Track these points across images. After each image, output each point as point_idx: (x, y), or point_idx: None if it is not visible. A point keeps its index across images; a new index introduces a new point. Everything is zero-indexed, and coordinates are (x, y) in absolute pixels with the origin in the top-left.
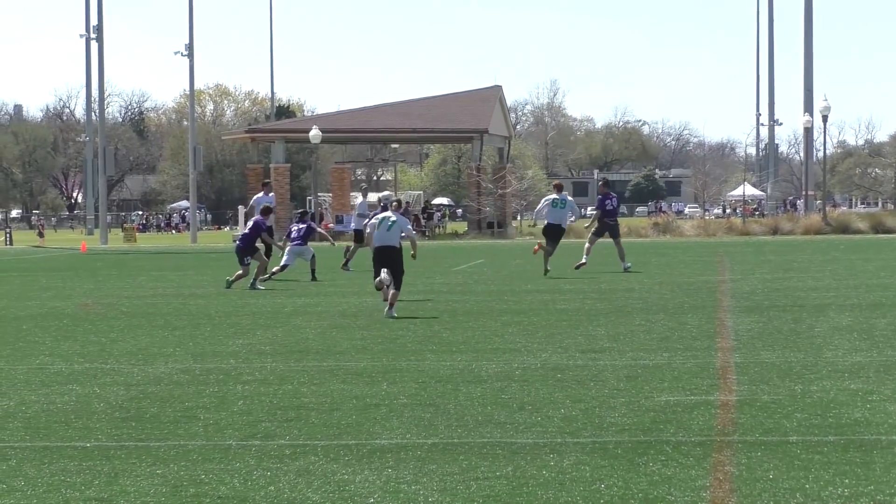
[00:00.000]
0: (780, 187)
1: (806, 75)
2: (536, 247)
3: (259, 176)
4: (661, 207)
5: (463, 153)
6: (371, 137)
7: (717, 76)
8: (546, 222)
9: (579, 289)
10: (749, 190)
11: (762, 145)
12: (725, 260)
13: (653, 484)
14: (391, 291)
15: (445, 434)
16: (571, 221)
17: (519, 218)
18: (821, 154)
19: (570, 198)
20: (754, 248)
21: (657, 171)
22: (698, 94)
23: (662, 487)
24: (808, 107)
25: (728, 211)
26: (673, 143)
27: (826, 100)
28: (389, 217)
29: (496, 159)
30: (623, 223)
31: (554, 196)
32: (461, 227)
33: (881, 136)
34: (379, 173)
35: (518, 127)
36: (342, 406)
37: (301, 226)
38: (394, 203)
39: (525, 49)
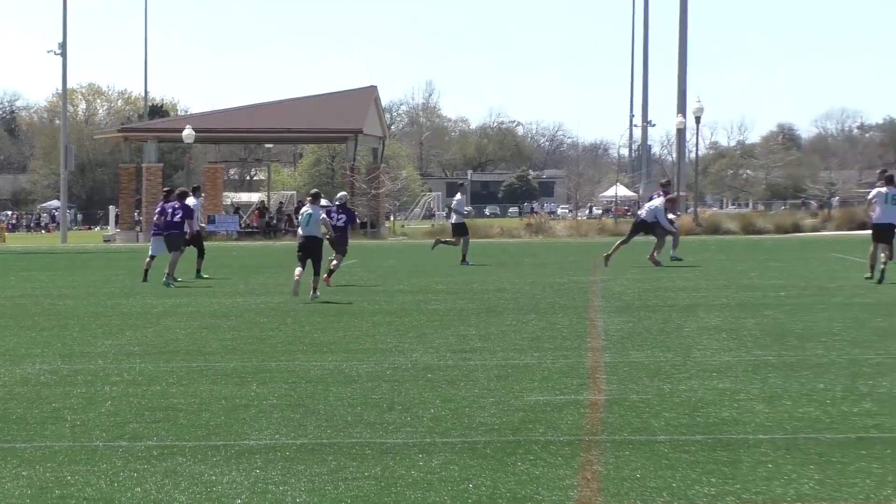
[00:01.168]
0: (653, 188)
1: (679, 77)
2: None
3: (131, 175)
4: (533, 208)
5: (337, 153)
6: (245, 137)
7: (591, 77)
8: None
9: (451, 289)
10: (622, 191)
11: (635, 146)
12: (597, 260)
13: (521, 483)
14: (313, 277)
15: (315, 434)
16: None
17: (392, 218)
18: (693, 155)
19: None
20: (626, 248)
21: (531, 171)
22: (572, 96)
23: (530, 487)
24: (682, 108)
25: (598, 212)
26: (547, 143)
27: (699, 101)
28: (308, 211)
29: (370, 159)
30: (495, 223)
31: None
32: None
33: (753, 138)
34: (252, 173)
35: (393, 127)
36: (211, 407)
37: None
38: (311, 195)
39: (400, 49)
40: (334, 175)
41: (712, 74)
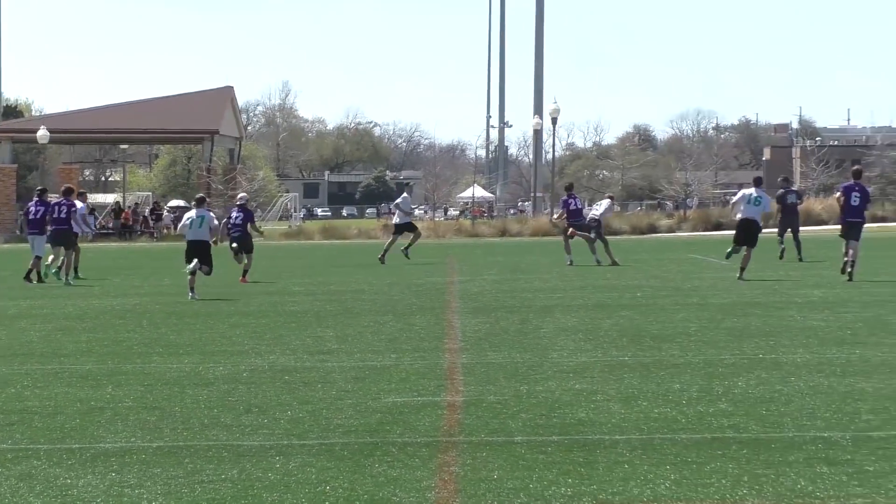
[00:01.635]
0: (510, 189)
1: (536, 78)
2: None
3: None
4: (390, 209)
5: (193, 154)
6: (100, 138)
7: (448, 78)
8: None
9: (309, 290)
10: (479, 192)
11: (492, 147)
12: (454, 261)
13: (378, 485)
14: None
15: (171, 437)
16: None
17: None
18: (550, 156)
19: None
20: (483, 249)
21: (388, 172)
22: (430, 97)
23: (388, 488)
24: (538, 109)
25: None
26: (404, 144)
27: (556, 102)
28: (196, 215)
29: (227, 160)
30: (353, 225)
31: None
32: None
33: (609, 139)
34: (108, 174)
35: (249, 128)
36: (66, 409)
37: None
38: (197, 199)
39: (257, 50)
40: (190, 176)
41: (569, 75)
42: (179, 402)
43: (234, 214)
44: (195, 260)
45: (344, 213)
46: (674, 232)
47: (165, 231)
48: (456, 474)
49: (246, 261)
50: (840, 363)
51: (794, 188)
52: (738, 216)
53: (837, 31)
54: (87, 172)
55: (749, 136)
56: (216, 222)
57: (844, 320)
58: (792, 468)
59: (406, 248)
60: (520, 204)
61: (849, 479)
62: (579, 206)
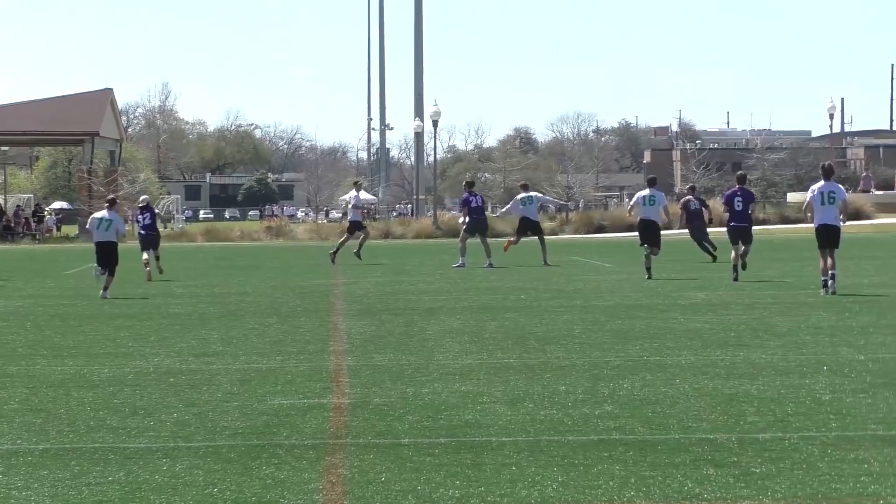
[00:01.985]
0: (392, 191)
1: (416, 80)
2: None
3: None
4: (273, 211)
5: (74, 156)
6: None
7: (328, 80)
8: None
9: (192, 292)
10: (362, 194)
11: (374, 150)
12: (338, 263)
13: (266, 487)
14: (108, 278)
15: (57, 439)
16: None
17: (131, 221)
18: (432, 159)
19: None
20: (366, 251)
21: (270, 174)
22: (310, 99)
23: (276, 491)
24: (419, 111)
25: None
26: (285, 146)
27: (436, 105)
28: (106, 217)
29: (108, 162)
30: (236, 227)
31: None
32: (72, 229)
33: (490, 142)
34: None
35: (129, 130)
36: None
37: None
38: (108, 201)
39: (136, 51)
40: (71, 178)
41: (449, 78)
42: (65, 404)
43: (139, 217)
44: (103, 265)
45: (227, 215)
46: (556, 234)
47: (48, 233)
48: (343, 476)
49: (156, 260)
50: (724, 365)
51: (700, 196)
52: (637, 217)
53: (715, 34)
54: None
55: (629, 139)
56: (123, 225)
57: (728, 323)
58: (678, 470)
59: (358, 250)
60: (400, 206)
61: (735, 480)
62: (480, 204)
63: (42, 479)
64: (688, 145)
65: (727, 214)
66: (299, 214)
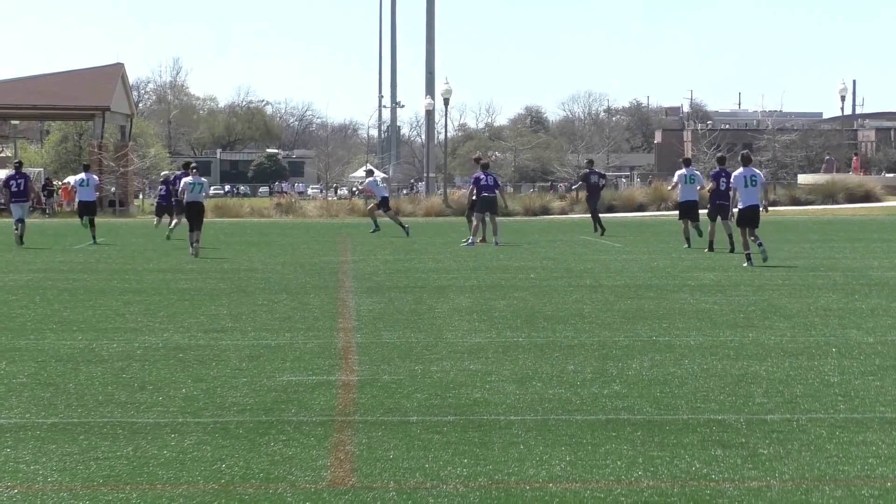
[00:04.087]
0: (403, 169)
1: (427, 58)
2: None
3: None
4: (283, 188)
5: (84, 130)
6: None
7: (340, 57)
8: None
9: (202, 268)
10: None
11: (384, 127)
12: (348, 241)
13: (274, 463)
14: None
15: (65, 414)
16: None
17: (141, 196)
18: (442, 137)
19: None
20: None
21: (280, 151)
22: (322, 75)
23: (283, 467)
24: (430, 89)
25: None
26: (296, 123)
27: (447, 83)
28: (196, 181)
29: (118, 137)
30: (246, 203)
31: None
32: None
33: (501, 120)
34: None
35: (140, 105)
36: None
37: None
38: (194, 168)
39: (147, 26)
40: (81, 152)
41: (460, 56)
42: (74, 378)
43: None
44: (193, 221)
45: (237, 190)
46: (566, 214)
47: (58, 207)
48: (351, 453)
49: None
50: (733, 346)
51: (598, 170)
52: (679, 198)
53: (728, 14)
54: None
55: (640, 119)
56: (209, 187)
57: (737, 304)
58: (686, 450)
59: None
60: (414, 184)
61: (743, 462)
62: (491, 183)
63: (50, 453)
64: (699, 126)
65: (712, 192)
66: (310, 191)
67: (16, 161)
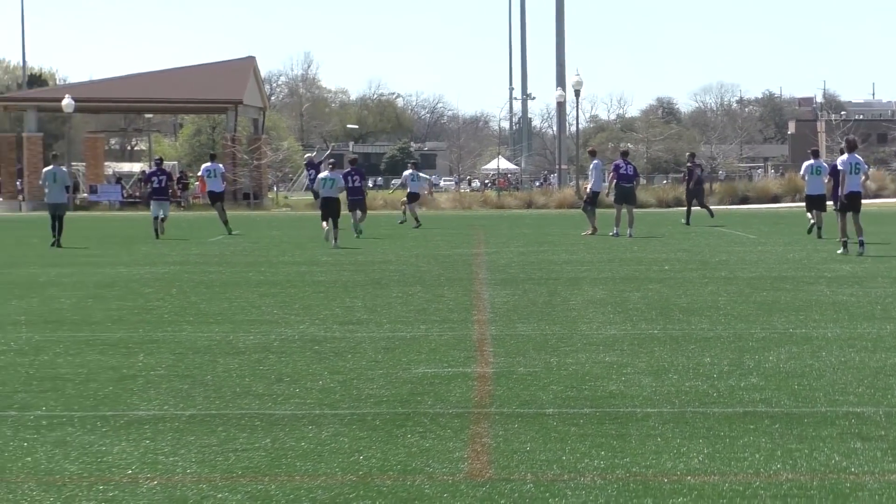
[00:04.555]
0: (534, 161)
1: (558, 50)
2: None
3: (11, 145)
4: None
5: (217, 124)
6: (125, 107)
7: (471, 50)
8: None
9: (336, 261)
10: (503, 163)
11: (516, 119)
12: (481, 233)
13: (411, 455)
14: (335, 230)
15: (203, 405)
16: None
17: (275, 189)
18: (574, 128)
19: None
20: (509, 221)
21: (412, 143)
22: (453, 68)
23: (420, 459)
24: (561, 81)
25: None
26: (427, 115)
27: (578, 74)
28: (329, 176)
29: (251, 130)
30: (378, 196)
31: None
32: None
33: (632, 112)
34: (133, 143)
35: (272, 98)
36: (98, 377)
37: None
38: (331, 163)
39: (279, 20)
40: (215, 145)
41: (592, 47)
42: (211, 370)
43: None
44: (324, 223)
45: (369, 184)
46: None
47: (193, 200)
48: (488, 445)
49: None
50: (871, 338)
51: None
52: (806, 191)
53: (862, 3)
54: (112, 141)
55: (773, 110)
56: (343, 182)
57: (874, 295)
58: (825, 443)
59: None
60: (547, 176)
61: (883, 454)
62: (630, 172)
63: (189, 444)
64: (832, 116)
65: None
66: (443, 183)
67: (157, 158)
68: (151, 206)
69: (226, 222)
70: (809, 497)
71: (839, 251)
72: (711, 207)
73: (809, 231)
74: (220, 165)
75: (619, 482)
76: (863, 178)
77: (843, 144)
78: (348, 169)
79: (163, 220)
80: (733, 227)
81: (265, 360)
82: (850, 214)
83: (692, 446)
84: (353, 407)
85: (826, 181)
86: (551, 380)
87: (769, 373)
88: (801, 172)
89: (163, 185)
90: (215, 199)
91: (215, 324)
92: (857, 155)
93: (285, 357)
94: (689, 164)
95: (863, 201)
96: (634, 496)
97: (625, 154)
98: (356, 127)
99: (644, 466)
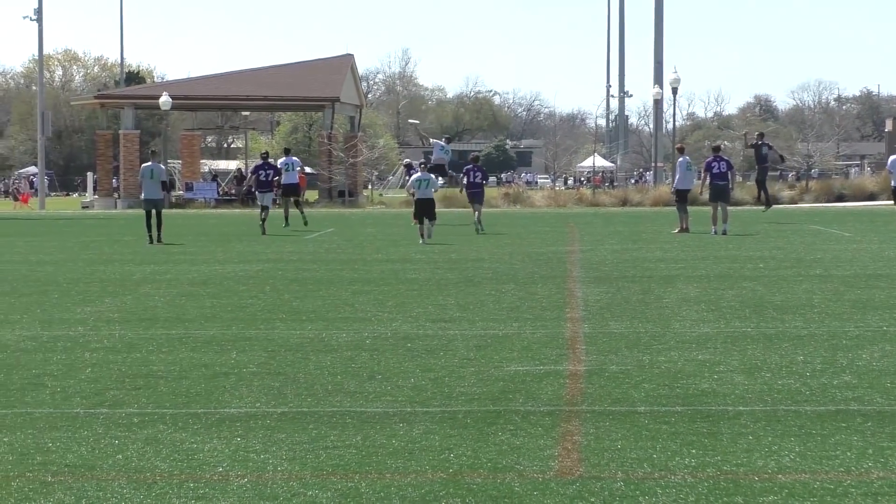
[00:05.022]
0: (630, 159)
1: (656, 47)
2: None
3: (108, 142)
4: (513, 179)
5: (314, 121)
6: (221, 104)
7: (567, 47)
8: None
9: (429, 258)
10: (599, 161)
11: (612, 117)
12: (575, 230)
13: (502, 453)
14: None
15: (295, 403)
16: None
17: (370, 187)
18: (670, 126)
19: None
20: (604, 218)
21: (508, 141)
22: (549, 65)
23: (511, 457)
24: (658, 79)
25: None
26: (524, 113)
27: (676, 72)
28: (423, 177)
29: (347, 128)
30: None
31: None
32: (312, 195)
33: (730, 109)
34: (230, 140)
35: (370, 96)
36: (191, 374)
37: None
38: (422, 164)
39: (377, 18)
40: (311, 143)
41: (689, 45)
42: (303, 368)
43: (470, 174)
44: (418, 223)
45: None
46: (796, 203)
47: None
48: (579, 443)
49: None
50: None
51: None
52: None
53: None
54: (209, 139)
55: (871, 108)
56: (437, 182)
57: None
58: None
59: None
60: (643, 174)
61: None
62: (724, 170)
63: (280, 442)
64: None
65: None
66: (539, 181)
67: (263, 152)
68: (258, 197)
69: (302, 213)
70: None
71: None
72: (771, 198)
73: None
74: (296, 159)
75: (710, 480)
76: None
77: None
78: (470, 165)
79: (266, 210)
80: (829, 225)
81: (357, 358)
82: None
83: (783, 444)
84: (444, 405)
85: None
86: (643, 378)
87: (862, 371)
88: (888, 166)
89: (269, 178)
90: (290, 192)
91: (308, 321)
92: None
93: (377, 355)
94: (756, 142)
95: None
96: (725, 494)
97: (716, 150)
98: (417, 122)
99: (735, 465)
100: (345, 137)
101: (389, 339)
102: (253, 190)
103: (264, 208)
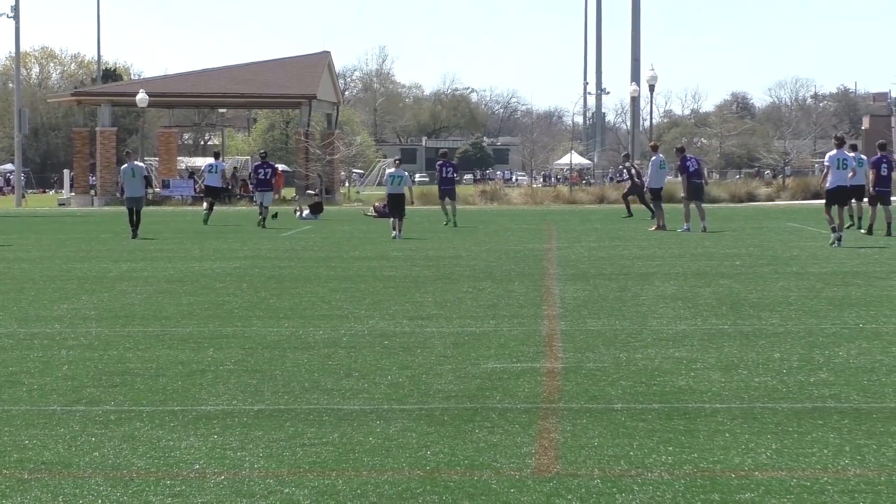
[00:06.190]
0: (607, 156)
1: (633, 45)
2: None
3: (85, 139)
4: (489, 175)
5: (291, 119)
6: (198, 102)
7: (544, 45)
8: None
9: (406, 256)
10: (576, 158)
11: (589, 114)
12: (552, 228)
13: (479, 450)
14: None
15: (272, 400)
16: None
17: (347, 184)
18: (647, 123)
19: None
20: (581, 216)
21: (485, 138)
22: (526, 63)
23: (488, 454)
24: (636, 76)
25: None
26: (501, 110)
27: (653, 69)
28: (396, 173)
29: (324, 125)
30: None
31: None
32: (288, 192)
33: (707, 107)
34: (206, 138)
35: (346, 93)
36: (168, 372)
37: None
38: (396, 161)
39: (354, 15)
40: (288, 140)
41: (667, 42)
42: (280, 365)
43: (443, 170)
44: (392, 218)
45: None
46: (772, 200)
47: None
48: (556, 441)
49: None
50: None
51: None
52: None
53: None
54: (185, 136)
55: (848, 105)
56: (409, 179)
57: None
58: (894, 439)
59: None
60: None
61: None
62: (696, 167)
63: (257, 439)
64: None
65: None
66: (516, 178)
67: (262, 151)
68: (256, 197)
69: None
70: (877, 493)
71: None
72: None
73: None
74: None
75: (687, 478)
76: (850, 173)
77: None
78: (441, 161)
79: (265, 208)
80: (805, 223)
81: (334, 355)
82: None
83: (760, 442)
84: (421, 402)
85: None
86: (620, 375)
87: (839, 368)
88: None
89: (268, 177)
90: (211, 193)
91: (285, 319)
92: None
93: (354, 352)
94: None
95: None
96: (702, 492)
97: (681, 150)
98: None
99: (712, 462)
100: (322, 135)
101: (366, 336)
102: (252, 189)
103: (263, 207)
